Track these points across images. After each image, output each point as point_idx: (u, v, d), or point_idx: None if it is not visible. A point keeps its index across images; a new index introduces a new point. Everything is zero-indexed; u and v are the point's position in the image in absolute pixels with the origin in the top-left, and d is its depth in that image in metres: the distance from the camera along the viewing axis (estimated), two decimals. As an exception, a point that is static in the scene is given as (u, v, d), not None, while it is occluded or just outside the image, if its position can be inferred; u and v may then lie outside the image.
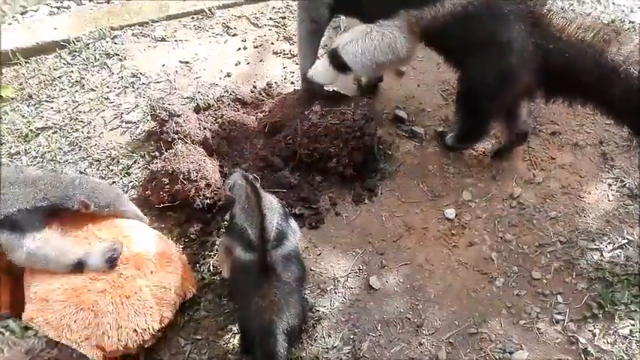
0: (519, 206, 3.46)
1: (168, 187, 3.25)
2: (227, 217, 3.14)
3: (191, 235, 3.24)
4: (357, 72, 3.54)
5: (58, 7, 4.82)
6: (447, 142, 3.70)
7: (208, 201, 3.24)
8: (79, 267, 2.70)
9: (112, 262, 2.72)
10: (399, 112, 3.92)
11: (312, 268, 3.16)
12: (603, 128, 3.85)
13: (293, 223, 2.91)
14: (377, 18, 3.22)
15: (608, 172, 3.61)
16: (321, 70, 3.47)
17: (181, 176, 3.21)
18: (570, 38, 3.00)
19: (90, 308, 2.62)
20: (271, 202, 2.81)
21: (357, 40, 3.28)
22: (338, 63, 3.38)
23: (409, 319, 2.97)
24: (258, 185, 2.86)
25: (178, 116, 3.60)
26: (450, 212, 3.42)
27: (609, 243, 3.27)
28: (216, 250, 3.20)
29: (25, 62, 4.24)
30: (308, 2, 3.36)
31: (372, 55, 3.26)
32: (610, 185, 3.55)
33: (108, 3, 4.84)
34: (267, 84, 4.09)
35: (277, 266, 2.64)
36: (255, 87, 4.06)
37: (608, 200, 3.48)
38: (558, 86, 3.18)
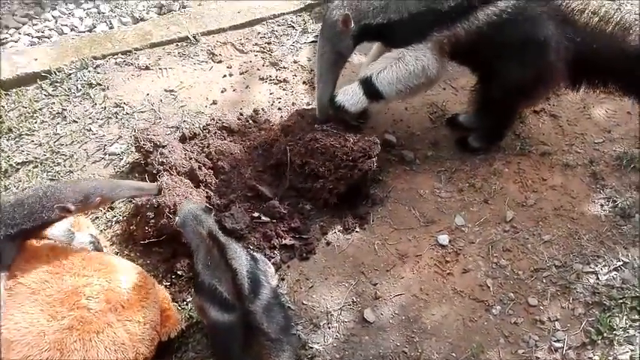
0: (513, 230, 3.41)
1: (153, 221, 3.16)
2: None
3: (177, 272, 3.14)
4: (390, 99, 3.51)
5: (39, 37, 4.76)
6: (472, 144, 3.74)
7: (195, 235, 3.14)
8: None
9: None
10: (389, 136, 3.88)
11: (304, 302, 3.07)
12: (593, 147, 3.84)
13: (263, 263, 2.81)
14: (407, 42, 3.25)
15: (600, 192, 3.59)
16: (351, 97, 3.43)
17: (167, 210, 3.12)
18: (595, 30, 3.29)
19: (56, 347, 2.47)
20: (235, 249, 2.65)
21: (391, 67, 3.29)
22: (371, 92, 3.37)
23: (406, 352, 2.89)
24: (216, 231, 2.68)
25: (163, 147, 3.53)
26: (444, 238, 3.36)
27: (605, 265, 3.23)
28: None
29: (5, 94, 4.14)
30: (332, 34, 3.31)
31: (407, 81, 3.30)
32: (602, 206, 3.52)
33: (90, 32, 4.80)
34: (254, 110, 4.03)
35: (262, 322, 2.51)
36: (242, 114, 4.00)
37: (601, 221, 3.44)
38: (586, 74, 3.44)
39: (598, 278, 3.17)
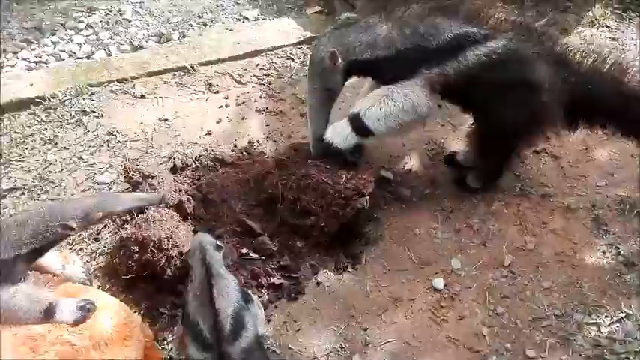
0: (511, 275, 3.28)
1: (137, 255, 3.03)
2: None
3: (160, 309, 3.01)
4: (380, 136, 3.40)
5: (36, 62, 4.73)
6: (471, 184, 3.66)
7: (180, 271, 3.02)
8: (48, 314, 2.45)
9: (83, 314, 2.49)
10: (385, 172, 3.78)
11: (290, 346, 2.93)
12: (595, 191, 3.73)
13: (254, 305, 2.70)
14: (396, 78, 3.18)
15: (602, 238, 3.46)
16: (341, 134, 3.33)
17: (151, 244, 3.00)
18: (590, 71, 3.22)
19: None
20: (227, 286, 2.57)
21: (379, 103, 3.22)
22: (360, 128, 3.29)
23: (395, 404, 2.74)
24: (214, 262, 2.63)
25: (152, 178, 3.42)
26: (439, 282, 3.23)
27: (606, 316, 3.08)
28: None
29: (-2, 119, 4.09)
30: (320, 70, 3.26)
31: (396, 118, 3.22)
32: (604, 252, 3.39)
33: (88, 59, 4.77)
34: (248, 142, 3.96)
35: None
36: (236, 146, 3.93)
37: (604, 269, 3.31)
38: (582, 115, 3.36)
39: (599, 330, 3.03)
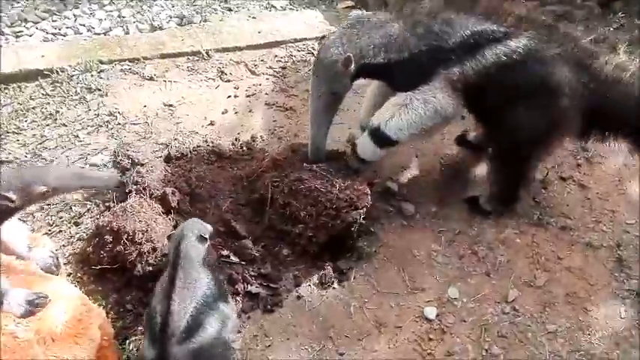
0: (513, 313, 2.96)
1: (110, 246, 2.88)
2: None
3: (127, 305, 2.84)
4: (404, 142, 3.26)
5: (54, 34, 4.65)
6: (484, 207, 3.39)
7: (151, 268, 2.85)
8: None
9: (30, 309, 2.31)
10: (390, 183, 3.51)
11: (257, 363, 2.70)
12: (622, 228, 3.34)
13: (228, 307, 2.49)
14: (412, 85, 3.01)
15: (624, 283, 3.09)
16: (365, 148, 3.21)
17: (125, 236, 2.83)
18: (609, 78, 2.98)
19: None
20: (194, 280, 2.37)
21: (399, 113, 3.06)
22: (382, 140, 3.15)
23: None
24: (188, 252, 2.44)
25: (142, 165, 3.28)
26: (431, 311, 2.93)
27: (616, 374, 2.73)
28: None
29: (4, 88, 4.01)
30: (330, 74, 3.03)
31: (419, 125, 3.07)
32: (624, 299, 3.01)
33: (105, 35, 4.66)
34: (251, 137, 3.75)
35: None
36: (237, 139, 3.72)
37: (620, 317, 2.94)
38: (596, 124, 3.13)
39: (605, 389, 2.68)
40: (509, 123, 3.05)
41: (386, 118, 3.10)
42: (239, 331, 2.80)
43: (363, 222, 3.09)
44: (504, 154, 3.19)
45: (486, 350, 2.81)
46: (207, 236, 2.59)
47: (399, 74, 3.01)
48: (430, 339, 2.85)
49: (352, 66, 2.94)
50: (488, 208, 3.38)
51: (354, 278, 3.07)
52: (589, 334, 2.87)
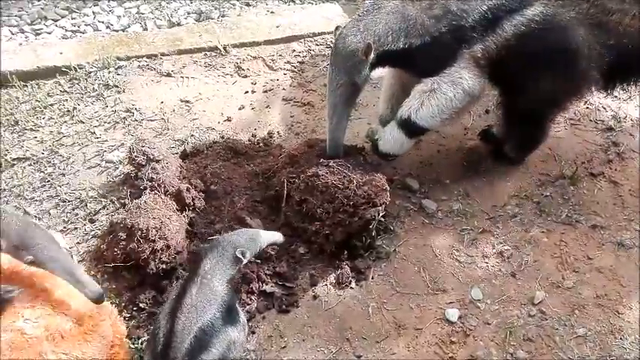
0: (540, 315, 2.82)
1: (123, 243, 2.82)
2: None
3: (140, 304, 2.79)
4: (436, 129, 3.33)
5: (73, 32, 4.65)
6: (509, 154, 3.45)
7: (164, 266, 2.79)
8: None
9: None
10: (410, 180, 3.40)
11: (272, 365, 2.62)
12: (657, 227, 3.17)
13: (236, 330, 2.37)
14: (437, 69, 2.97)
15: (658, 285, 2.92)
16: (393, 141, 3.18)
17: (139, 233, 2.78)
18: (628, 30, 2.95)
19: None
20: (207, 300, 2.26)
21: (429, 101, 3.02)
22: (413, 131, 3.14)
23: None
24: (213, 267, 2.34)
25: (157, 161, 3.21)
26: (453, 313, 2.82)
27: (649, 381, 2.57)
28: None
29: (23, 86, 4.01)
30: (350, 64, 2.94)
31: (450, 108, 3.05)
32: (658, 302, 2.85)
33: (123, 32, 4.64)
34: (268, 133, 3.68)
35: None
36: (254, 136, 3.65)
37: (655, 321, 2.79)
38: (620, 75, 3.19)
39: (638, 396, 2.53)
40: (530, 88, 3.04)
41: (415, 107, 3.04)
42: (253, 332, 2.73)
43: (382, 219, 3.00)
44: (525, 113, 3.19)
45: (511, 354, 2.68)
46: (246, 257, 2.43)
47: (422, 59, 2.93)
48: (452, 342, 2.73)
49: (372, 54, 2.84)
50: (513, 154, 3.45)
51: (372, 278, 2.96)
52: (621, 339, 2.72)
